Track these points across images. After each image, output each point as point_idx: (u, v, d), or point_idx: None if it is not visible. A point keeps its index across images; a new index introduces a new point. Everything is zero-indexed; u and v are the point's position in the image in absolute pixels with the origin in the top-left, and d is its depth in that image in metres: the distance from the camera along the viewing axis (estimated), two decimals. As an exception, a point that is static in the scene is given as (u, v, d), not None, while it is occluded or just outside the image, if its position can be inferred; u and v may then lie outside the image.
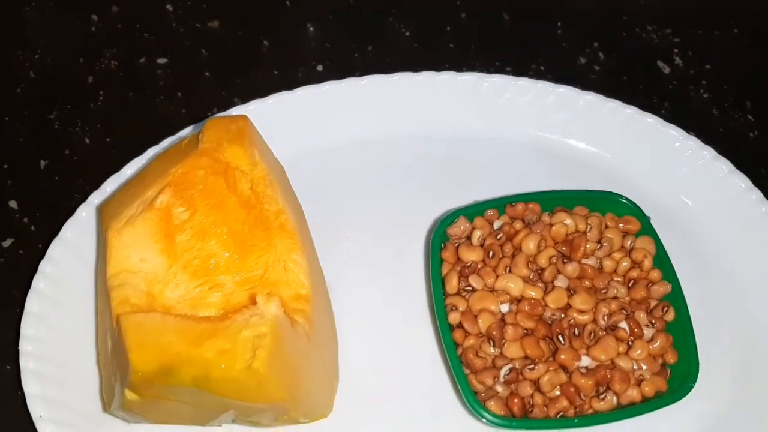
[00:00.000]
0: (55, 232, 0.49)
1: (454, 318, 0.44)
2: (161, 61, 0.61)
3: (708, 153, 0.53)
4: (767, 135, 0.57)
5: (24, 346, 0.45)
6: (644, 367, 0.43)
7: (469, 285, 0.45)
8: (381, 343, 0.47)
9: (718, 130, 0.57)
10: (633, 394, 0.43)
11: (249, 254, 0.43)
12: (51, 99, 0.59)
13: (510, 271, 0.45)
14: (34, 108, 0.58)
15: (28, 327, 0.46)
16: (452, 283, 0.45)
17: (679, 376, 0.44)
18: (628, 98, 0.55)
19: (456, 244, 0.47)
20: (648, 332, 0.44)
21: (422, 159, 0.54)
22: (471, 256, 0.46)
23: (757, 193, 0.51)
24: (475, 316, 0.44)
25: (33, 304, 0.47)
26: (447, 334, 0.44)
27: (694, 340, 0.44)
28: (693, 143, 0.53)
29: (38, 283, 0.47)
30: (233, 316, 0.38)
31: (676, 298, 0.45)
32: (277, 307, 0.38)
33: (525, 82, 0.55)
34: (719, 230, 0.50)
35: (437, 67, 0.57)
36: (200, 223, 0.43)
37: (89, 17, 0.63)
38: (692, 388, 0.43)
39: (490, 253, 0.46)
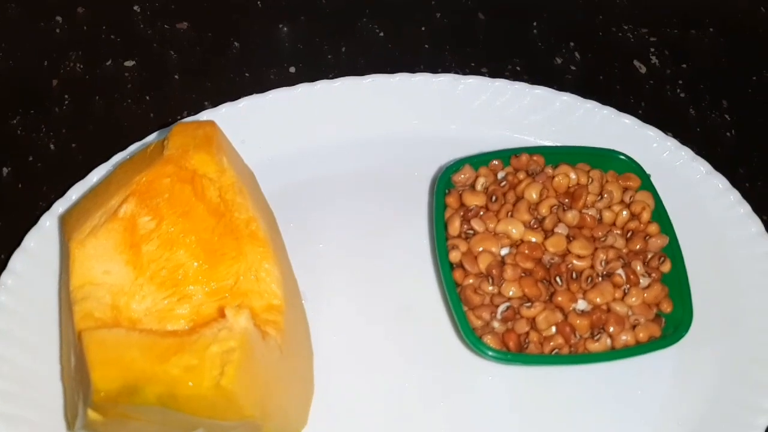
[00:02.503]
0: (18, 242, 0.48)
1: (454, 256, 0.45)
2: (128, 63, 0.59)
3: (686, 153, 0.52)
4: (744, 134, 0.57)
5: (-15, 362, 0.43)
6: (639, 314, 0.44)
7: (471, 228, 0.46)
8: (357, 351, 0.46)
9: (695, 129, 0.57)
10: (627, 338, 0.43)
11: (219, 264, 0.42)
12: (14, 103, 0.57)
13: (512, 216, 0.46)
14: (-4, 113, 0.57)
15: (-11, 342, 0.44)
16: (455, 225, 0.46)
17: (673, 325, 0.44)
18: (604, 98, 0.55)
19: (460, 191, 0.47)
20: (644, 281, 0.45)
21: (396, 162, 0.53)
22: (474, 200, 0.47)
23: (735, 194, 0.51)
24: (476, 257, 0.44)
25: (-6, 318, 0.45)
26: (447, 272, 0.44)
27: (689, 291, 0.44)
28: (670, 144, 0.53)
29: (-1, 296, 0.46)
30: (201, 330, 0.36)
31: (672, 251, 0.46)
32: (247, 320, 0.37)
33: (501, 84, 0.55)
34: (697, 233, 0.50)
35: (412, 68, 0.56)
36: (167, 232, 0.42)
37: (53, 18, 0.61)
38: (684, 335, 0.43)
39: (493, 198, 0.47)
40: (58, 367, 0.44)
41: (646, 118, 0.54)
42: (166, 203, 0.42)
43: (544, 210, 0.46)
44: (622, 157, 0.49)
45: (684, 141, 0.53)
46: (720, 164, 0.52)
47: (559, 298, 0.43)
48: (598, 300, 0.43)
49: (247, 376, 0.36)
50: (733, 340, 0.46)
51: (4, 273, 0.46)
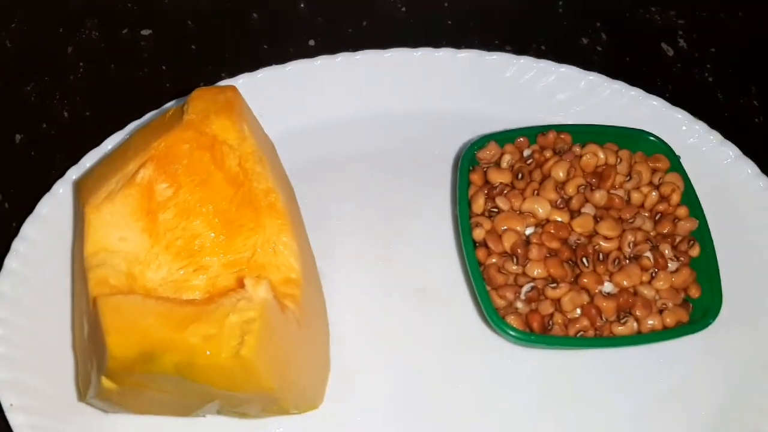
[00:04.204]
0: (31, 210, 0.47)
1: (478, 234, 0.44)
2: (145, 32, 0.58)
3: (714, 137, 0.51)
4: (772, 121, 0.56)
5: (-6, 329, 0.42)
6: (666, 298, 0.43)
7: (496, 206, 0.45)
8: (374, 330, 0.45)
9: (723, 114, 0.56)
10: (654, 322, 0.42)
11: (236, 235, 0.41)
12: (28, 70, 0.56)
13: (538, 195, 0.45)
14: (10, 80, 0.55)
15: (-1, 309, 0.43)
16: (479, 203, 0.45)
17: (701, 311, 0.43)
18: (631, 80, 0.53)
19: (484, 168, 0.46)
20: (672, 265, 0.44)
21: (417, 138, 0.52)
22: (499, 177, 0.46)
23: (764, 180, 0.49)
24: (500, 235, 0.43)
25: (5, 284, 0.44)
26: (470, 250, 0.43)
27: (719, 276, 0.43)
28: (699, 127, 0.51)
29: (11, 262, 0.45)
30: (219, 300, 0.35)
31: (702, 235, 0.45)
32: (267, 291, 0.36)
33: (526, 61, 0.53)
34: (724, 217, 0.48)
35: (434, 44, 0.55)
36: (184, 200, 0.41)
37: (69, -15, 0.60)
38: (712, 322, 0.42)
39: (519, 176, 0.45)
40: (68, 335, 0.43)
41: (674, 102, 0.53)
42: (184, 170, 0.41)
43: (571, 189, 0.45)
44: (652, 138, 0.48)
45: (712, 126, 0.52)
46: (748, 149, 0.51)
47: (585, 280, 0.42)
48: (625, 283, 0.42)
49: (267, 347, 0.35)
50: (761, 327, 0.45)
51: (16, 240, 0.45)
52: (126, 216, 0.40)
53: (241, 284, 0.37)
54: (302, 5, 0.60)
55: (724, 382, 0.43)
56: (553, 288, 0.42)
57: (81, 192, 0.41)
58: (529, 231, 0.44)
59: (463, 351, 0.45)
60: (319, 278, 0.45)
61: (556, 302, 0.42)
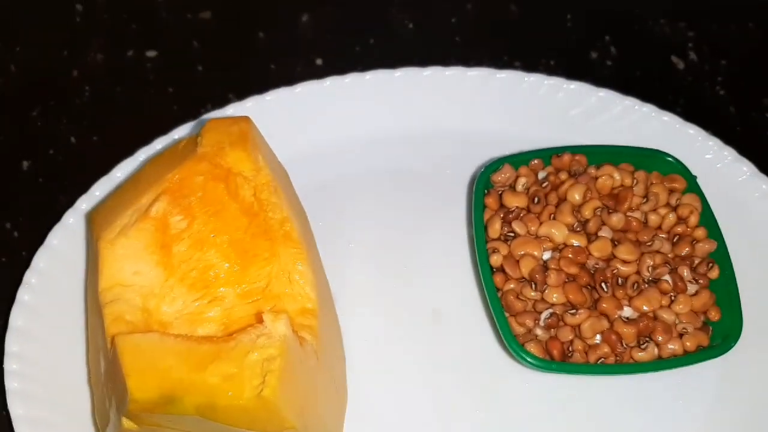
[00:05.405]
0: (40, 239, 0.46)
1: (495, 260, 0.43)
2: (150, 54, 0.58)
3: (729, 154, 0.51)
4: (786, 134, 0.55)
5: (9, 364, 0.42)
6: (686, 322, 0.42)
7: (512, 230, 0.44)
8: (390, 357, 0.45)
9: (736, 128, 0.55)
10: (674, 347, 0.42)
11: (251, 265, 0.41)
12: (33, 95, 0.55)
13: (554, 219, 0.44)
14: (15, 104, 0.55)
15: (12, 343, 0.43)
16: (495, 228, 0.44)
17: (721, 334, 0.43)
18: (641, 95, 0.53)
19: (499, 191, 0.46)
20: (692, 288, 0.43)
21: (429, 159, 0.51)
22: (515, 201, 0.45)
23: (780, 196, 0.49)
24: (517, 261, 0.43)
25: (18, 318, 0.43)
26: (488, 277, 0.43)
27: (739, 298, 0.43)
28: (713, 144, 0.51)
29: (23, 295, 0.44)
30: (238, 337, 0.35)
31: (721, 257, 0.44)
32: (286, 326, 0.35)
33: (536, 78, 0.53)
34: (741, 236, 0.48)
35: (442, 61, 0.54)
36: (198, 232, 0.40)
37: (74, 7, 0.59)
38: (734, 345, 0.42)
39: (535, 199, 0.45)
40: (83, 369, 0.43)
41: (686, 116, 0.52)
42: (198, 202, 0.40)
43: (587, 212, 0.44)
44: (669, 158, 0.47)
45: (725, 141, 0.51)
46: (763, 165, 0.51)
47: (604, 305, 0.42)
48: (645, 308, 0.42)
49: (288, 385, 0.34)
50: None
51: (28, 271, 0.45)
52: (140, 250, 0.39)
53: (259, 318, 0.36)
54: (309, 24, 0.60)
55: (745, 405, 0.43)
56: (573, 314, 0.42)
57: (94, 226, 0.41)
58: (546, 256, 0.44)
59: (479, 376, 0.44)
60: (334, 305, 0.45)
61: (576, 329, 0.42)
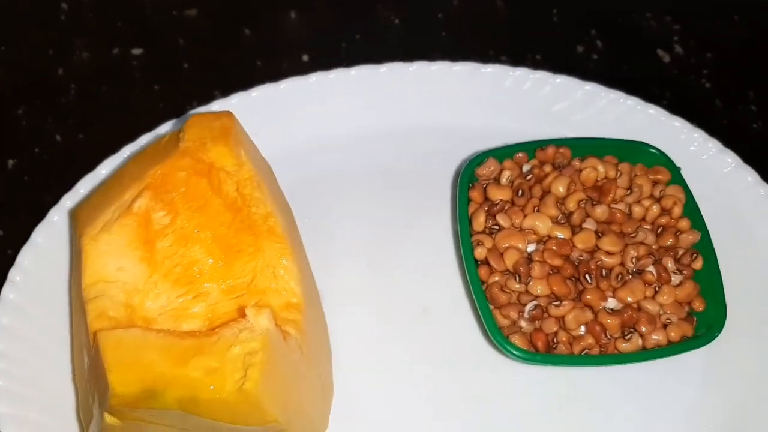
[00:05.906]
0: (25, 237, 0.46)
1: (480, 253, 0.43)
2: (136, 51, 0.57)
3: (713, 145, 0.51)
4: (771, 126, 0.55)
5: (-7, 362, 0.42)
6: (670, 313, 0.43)
7: (497, 223, 0.44)
8: (377, 351, 0.45)
9: (722, 121, 0.55)
10: (659, 337, 0.42)
11: (235, 260, 0.40)
12: (18, 93, 0.55)
13: (538, 211, 0.44)
14: (1, 103, 0.55)
15: (-3, 341, 0.43)
16: (479, 221, 0.44)
17: (706, 324, 0.43)
18: (627, 88, 0.53)
19: (484, 185, 0.46)
20: (675, 278, 0.44)
21: (414, 154, 0.51)
22: (499, 194, 0.45)
23: (765, 188, 0.49)
24: (501, 253, 0.43)
25: (3, 316, 0.43)
26: (473, 269, 0.43)
27: (722, 288, 0.43)
28: (698, 135, 0.51)
29: (8, 293, 0.44)
30: (220, 331, 0.35)
31: (704, 247, 0.44)
32: (269, 320, 0.35)
33: (522, 72, 0.53)
34: (725, 227, 0.48)
35: (428, 56, 0.54)
36: (182, 227, 0.40)
37: (59, 5, 0.59)
38: (718, 335, 0.42)
39: (519, 192, 0.45)
40: (68, 367, 0.43)
41: (671, 109, 0.52)
42: (181, 197, 0.40)
43: (571, 205, 0.44)
44: (652, 150, 0.47)
45: (710, 132, 0.51)
46: (748, 157, 0.51)
47: (589, 297, 0.42)
48: (628, 298, 0.42)
49: (271, 378, 0.34)
50: (765, 339, 0.45)
51: (12, 269, 0.45)
52: (123, 246, 0.39)
53: (242, 313, 0.36)
54: (295, 20, 0.60)
55: (730, 395, 0.43)
56: (557, 306, 0.42)
57: (77, 222, 0.41)
58: (530, 248, 0.44)
59: (466, 370, 0.44)
60: (320, 300, 0.45)
61: (560, 320, 0.42)
